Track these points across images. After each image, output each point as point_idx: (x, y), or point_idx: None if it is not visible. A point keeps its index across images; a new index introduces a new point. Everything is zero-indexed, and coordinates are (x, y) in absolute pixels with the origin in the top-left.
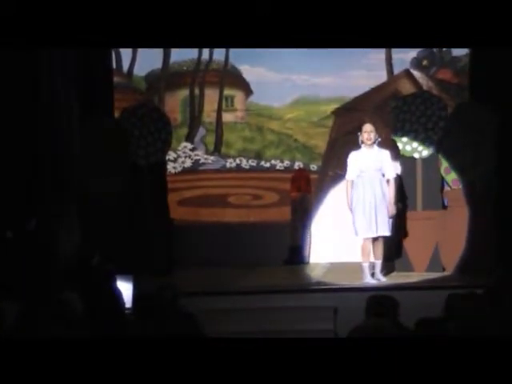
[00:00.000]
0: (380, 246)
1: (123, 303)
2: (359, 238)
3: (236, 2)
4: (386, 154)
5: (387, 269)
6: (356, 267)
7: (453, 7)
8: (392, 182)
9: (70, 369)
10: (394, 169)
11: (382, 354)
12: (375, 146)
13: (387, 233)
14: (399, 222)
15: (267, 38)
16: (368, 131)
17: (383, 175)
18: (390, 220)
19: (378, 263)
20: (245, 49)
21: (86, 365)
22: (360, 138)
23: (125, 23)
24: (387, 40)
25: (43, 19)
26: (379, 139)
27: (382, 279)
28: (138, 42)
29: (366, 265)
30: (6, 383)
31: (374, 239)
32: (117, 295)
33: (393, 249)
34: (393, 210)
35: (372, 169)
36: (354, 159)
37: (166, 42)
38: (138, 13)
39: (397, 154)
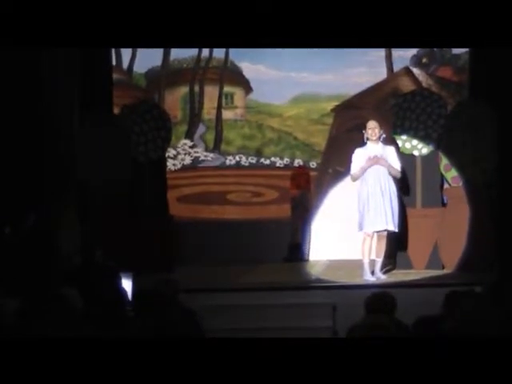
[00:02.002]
0: (382, 243)
1: (125, 300)
2: (364, 232)
3: (236, 2)
4: (391, 149)
5: (388, 266)
6: (355, 264)
7: (452, 7)
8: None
9: (69, 367)
10: (399, 165)
11: (381, 351)
12: (380, 143)
13: (394, 228)
14: (402, 218)
15: (267, 39)
16: (372, 127)
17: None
18: (397, 216)
19: (379, 261)
20: None
21: (86, 363)
22: (365, 135)
23: (124, 23)
24: (387, 40)
25: (44, 19)
26: (384, 135)
27: (381, 277)
28: (137, 41)
29: (366, 261)
30: (5, 383)
31: (377, 237)
32: (119, 292)
33: (394, 245)
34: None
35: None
36: (359, 155)
37: (167, 42)
38: (138, 12)
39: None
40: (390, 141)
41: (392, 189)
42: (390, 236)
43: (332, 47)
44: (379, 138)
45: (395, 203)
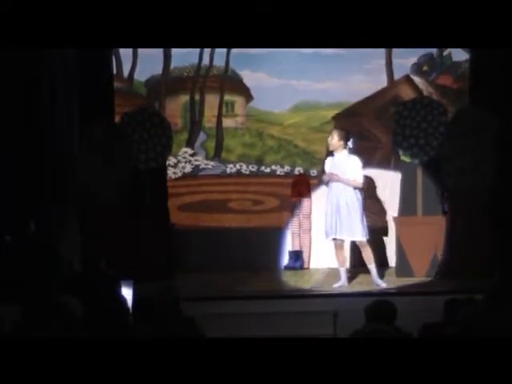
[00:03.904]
0: (366, 250)
1: (127, 308)
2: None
3: (236, 2)
4: (353, 159)
5: (380, 272)
6: (356, 272)
7: (453, 7)
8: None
9: (69, 370)
10: (361, 174)
11: (382, 357)
12: (345, 152)
13: (351, 237)
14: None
15: (269, 39)
16: (332, 137)
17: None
18: (359, 225)
19: (372, 268)
20: (245, 54)
21: (85, 366)
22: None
23: (124, 23)
24: (390, 40)
25: (44, 19)
26: (350, 146)
27: (381, 284)
28: (137, 42)
29: (342, 269)
30: (5, 383)
31: (360, 244)
32: (119, 299)
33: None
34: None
35: (338, 174)
36: (326, 164)
37: (166, 42)
38: (138, 12)
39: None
40: (389, 149)
41: (350, 199)
42: (375, 244)
43: (331, 47)
44: (343, 148)
45: (355, 213)
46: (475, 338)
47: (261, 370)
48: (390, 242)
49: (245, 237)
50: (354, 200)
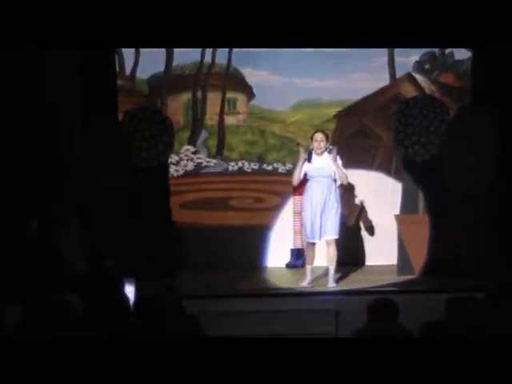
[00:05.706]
0: (332, 250)
1: (128, 307)
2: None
3: (236, 2)
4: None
5: (343, 273)
6: (357, 270)
7: (455, 7)
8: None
9: (70, 370)
10: (345, 174)
11: (383, 356)
12: (325, 153)
13: (334, 236)
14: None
15: (269, 39)
16: (318, 140)
17: (335, 180)
18: (338, 224)
19: (332, 269)
20: (247, 52)
21: (86, 366)
22: (310, 146)
23: (127, 23)
24: (391, 39)
25: (46, 18)
26: (331, 147)
27: (333, 285)
28: (139, 41)
29: (308, 267)
30: (6, 383)
31: (327, 243)
32: (121, 298)
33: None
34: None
35: (321, 176)
36: (305, 165)
37: (168, 42)
38: (140, 12)
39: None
40: (392, 147)
41: (334, 197)
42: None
43: (333, 47)
44: (324, 151)
45: (337, 210)
46: (476, 336)
47: (262, 369)
48: (390, 240)
49: (246, 235)
50: (336, 198)
